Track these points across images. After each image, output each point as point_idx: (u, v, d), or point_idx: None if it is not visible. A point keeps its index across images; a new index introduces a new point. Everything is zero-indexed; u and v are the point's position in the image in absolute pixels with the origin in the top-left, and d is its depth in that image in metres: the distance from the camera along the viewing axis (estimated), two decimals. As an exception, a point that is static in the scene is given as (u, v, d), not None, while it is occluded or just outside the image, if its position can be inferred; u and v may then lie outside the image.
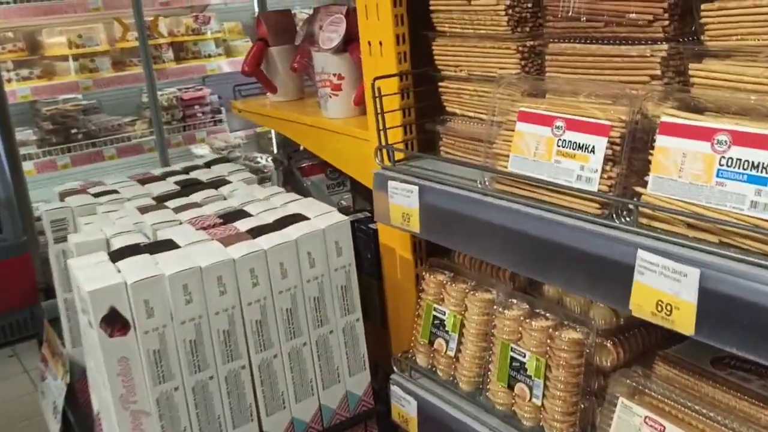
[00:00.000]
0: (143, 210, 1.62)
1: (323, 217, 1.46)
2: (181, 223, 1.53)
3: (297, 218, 1.47)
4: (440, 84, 1.43)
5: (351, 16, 1.72)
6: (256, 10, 5.16)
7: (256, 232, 1.42)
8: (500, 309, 1.31)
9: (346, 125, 1.73)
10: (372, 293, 1.70)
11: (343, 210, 2.18)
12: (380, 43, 1.46)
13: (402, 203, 1.33)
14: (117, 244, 1.42)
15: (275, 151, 5.30)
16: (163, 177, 1.90)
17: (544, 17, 1.20)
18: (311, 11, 2.19)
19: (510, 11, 1.24)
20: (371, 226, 1.72)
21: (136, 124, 5.09)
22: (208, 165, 1.98)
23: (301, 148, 2.28)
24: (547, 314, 1.24)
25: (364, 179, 1.67)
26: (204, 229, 1.48)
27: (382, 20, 1.44)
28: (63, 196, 1.80)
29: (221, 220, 1.52)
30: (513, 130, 1.16)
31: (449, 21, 1.37)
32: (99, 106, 5.10)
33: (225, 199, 1.70)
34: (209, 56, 5.31)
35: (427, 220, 1.30)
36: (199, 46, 5.27)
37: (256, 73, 2.08)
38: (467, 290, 1.41)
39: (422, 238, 1.32)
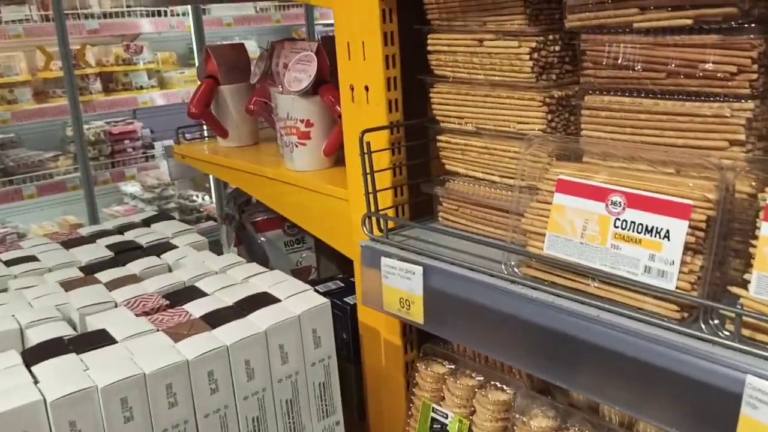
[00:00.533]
0: (68, 285, 1.31)
1: (297, 298, 1.19)
2: (116, 306, 1.23)
3: (264, 299, 1.19)
4: (439, 138, 1.19)
5: (321, 53, 1.48)
6: (193, 40, 4.88)
7: (213, 318, 1.14)
8: (520, 416, 1.06)
9: (315, 180, 1.47)
10: (348, 380, 1.43)
11: (305, 272, 1.92)
12: (366, 88, 1.22)
13: (400, 286, 1.08)
14: (34, 337, 1.11)
15: (212, 189, 4.98)
16: (92, 239, 1.59)
17: (579, 64, 0.98)
18: (257, 44, 1.93)
19: (535, 55, 1.02)
20: (347, 299, 1.45)
21: (59, 160, 4.69)
22: (146, 223, 1.68)
23: (254, 200, 2.01)
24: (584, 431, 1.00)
25: (340, 245, 1.41)
26: (146, 314, 1.18)
27: (369, 61, 1.20)
28: (-33, 263, 1.47)
29: (167, 302, 1.23)
30: (549, 202, 0.93)
31: (452, 64, 1.14)
32: (18, 140, 4.69)
33: (170, 270, 1.41)
34: (141, 88, 4.96)
35: (434, 310, 1.05)
36: (130, 77, 4.92)
37: (204, 115, 1.80)
38: (475, 387, 1.16)
39: (427, 330, 1.07)
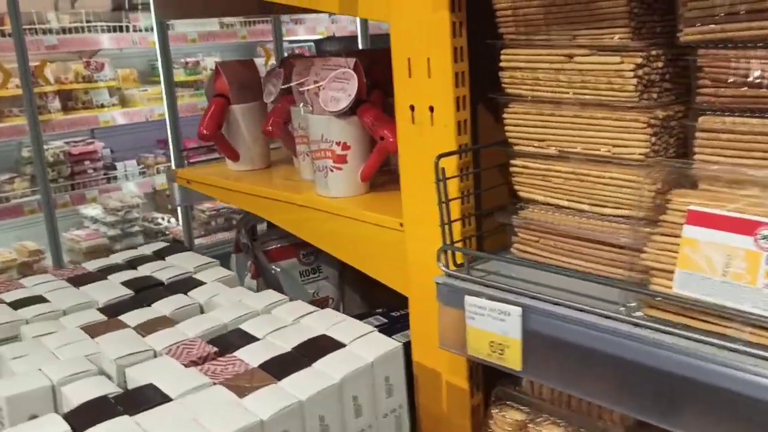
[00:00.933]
0: (92, 331, 1.17)
1: (363, 342, 1.08)
2: (155, 355, 1.09)
3: (326, 344, 1.08)
4: (513, 163, 1.10)
5: (359, 70, 1.37)
6: (158, 56, 4.69)
7: (274, 368, 1.02)
8: (622, 466, 0.97)
9: (354, 207, 1.36)
10: (399, 425, 1.31)
11: (322, 303, 1.80)
12: (431, 109, 1.11)
13: (491, 329, 0.98)
14: (72, 396, 0.97)
15: (178, 210, 4.78)
16: (101, 274, 1.44)
17: (692, 81, 0.90)
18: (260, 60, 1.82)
19: (640, 72, 0.93)
20: (396, 336, 1.34)
21: (15, 183, 4.44)
22: (159, 255, 1.54)
23: (260, 227, 1.88)
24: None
25: (390, 278, 1.30)
26: (195, 364, 1.05)
27: (435, 79, 1.10)
28: (-36, 307, 1.31)
29: (215, 349, 1.09)
30: (676, 236, 0.84)
31: (531, 82, 1.04)
32: (-30, 162, 4.44)
33: (202, 311, 1.27)
34: (102, 106, 4.74)
35: (535, 355, 0.95)
36: (90, 95, 4.71)
37: (216, 137, 1.67)
38: (560, 434, 1.07)
39: (525, 377, 0.97)
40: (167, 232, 4.91)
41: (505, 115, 1.09)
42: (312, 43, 5.98)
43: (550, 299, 0.94)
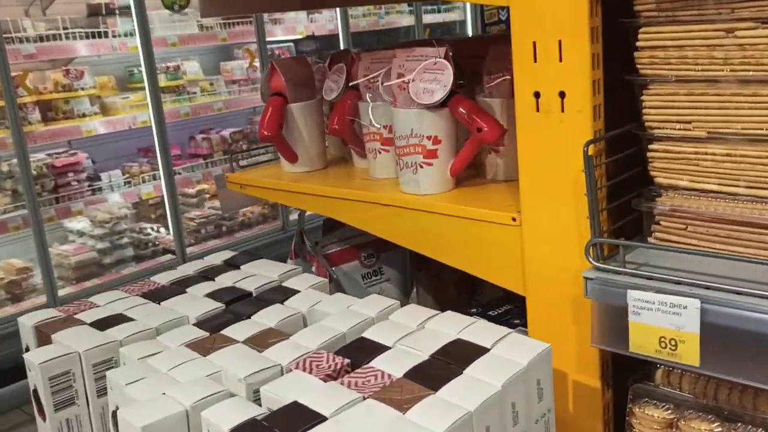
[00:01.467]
0: (201, 349, 1.07)
1: (506, 344, 1.01)
2: (283, 371, 1.01)
3: (467, 349, 1.00)
4: (652, 147, 1.04)
5: (450, 60, 1.30)
6: (142, 61, 4.54)
7: (423, 377, 0.94)
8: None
9: (451, 203, 1.29)
10: None
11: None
12: (561, 95, 1.05)
13: (661, 323, 0.92)
14: (215, 420, 0.88)
15: (168, 219, 4.64)
16: (179, 288, 1.34)
17: None
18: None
19: (814, 44, 0.89)
20: (509, 337, 1.28)
21: (-4, 199, 4.26)
22: (232, 264, 1.44)
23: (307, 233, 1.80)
24: None
25: (502, 277, 1.23)
26: (331, 377, 0.97)
27: (568, 63, 1.03)
28: (41, 329, 1.20)
29: (346, 360, 1.01)
30: None
31: (677, 61, 0.99)
32: (-52, 179, 4.23)
33: (305, 322, 1.19)
34: (84, 115, 4.57)
35: (714, 349, 0.89)
36: (71, 105, 4.53)
37: (277, 138, 1.58)
38: (714, 430, 1.01)
39: (701, 372, 0.92)
40: (157, 243, 4.76)
41: (644, 98, 1.03)
42: (291, 44, 5.88)
43: (730, 288, 0.88)
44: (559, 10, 1.02)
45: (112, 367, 1.09)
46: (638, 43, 1.02)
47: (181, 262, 4.49)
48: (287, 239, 5.00)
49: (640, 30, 1.01)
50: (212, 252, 1.55)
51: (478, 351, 1.00)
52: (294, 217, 5.10)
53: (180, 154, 5.27)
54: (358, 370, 0.98)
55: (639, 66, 1.03)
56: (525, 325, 1.27)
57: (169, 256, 4.71)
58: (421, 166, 1.33)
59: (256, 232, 5.17)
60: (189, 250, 4.75)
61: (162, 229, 4.81)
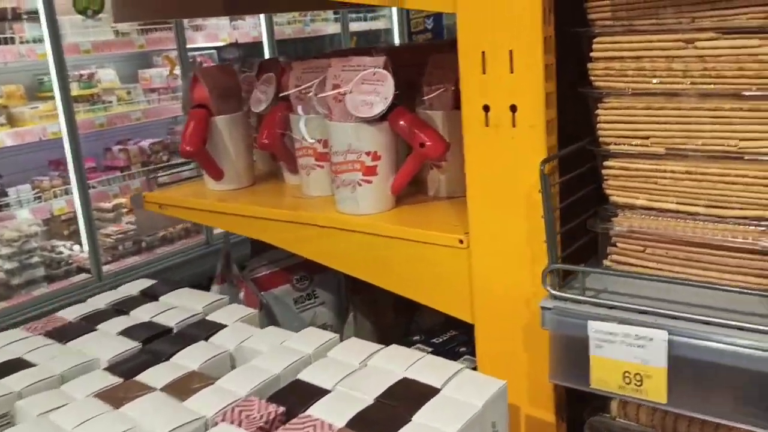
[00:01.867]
0: (111, 399, 0.94)
1: (457, 383, 0.92)
2: (207, 425, 0.88)
3: (415, 391, 0.91)
4: (607, 165, 0.97)
5: (390, 70, 1.21)
6: (52, 69, 4.28)
7: (367, 428, 0.84)
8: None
9: (392, 224, 1.20)
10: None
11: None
12: (512, 108, 0.97)
13: (625, 357, 0.84)
14: (129, 493, 0.75)
15: (82, 236, 4.38)
16: (88, 325, 1.20)
17: (842, 64, 0.80)
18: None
19: (782, 56, 0.83)
20: (455, 369, 1.18)
21: None
22: (149, 295, 1.30)
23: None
24: None
25: (449, 304, 1.14)
26: (264, 430, 0.86)
27: (520, 74, 0.95)
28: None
29: (281, 408, 0.90)
30: None
31: (633, 73, 0.92)
32: None
33: (233, 361, 1.07)
34: (-11, 127, 4.28)
35: (683, 384, 0.82)
36: (-24, 115, 4.24)
37: (200, 154, 1.45)
38: (679, 466, 0.95)
39: (669, 409, 0.84)
40: (71, 261, 4.49)
41: (599, 112, 0.96)
42: (214, 51, 5.69)
43: (698, 318, 0.82)
44: (510, 17, 0.94)
45: (6, 426, 0.94)
46: (593, 54, 0.95)
47: (97, 281, 4.24)
48: (212, 254, 4.80)
49: (595, 40, 0.94)
50: (131, 270, 1.41)
51: (428, 392, 0.90)
52: (219, 230, 4.91)
53: (95, 167, 5.00)
54: (294, 420, 0.87)
55: (593, 78, 0.96)
56: (472, 353, 1.19)
57: (84, 275, 4.44)
58: (360, 184, 1.23)
59: (179, 248, 4.93)
60: (105, 268, 4.49)
61: (76, 247, 4.54)
